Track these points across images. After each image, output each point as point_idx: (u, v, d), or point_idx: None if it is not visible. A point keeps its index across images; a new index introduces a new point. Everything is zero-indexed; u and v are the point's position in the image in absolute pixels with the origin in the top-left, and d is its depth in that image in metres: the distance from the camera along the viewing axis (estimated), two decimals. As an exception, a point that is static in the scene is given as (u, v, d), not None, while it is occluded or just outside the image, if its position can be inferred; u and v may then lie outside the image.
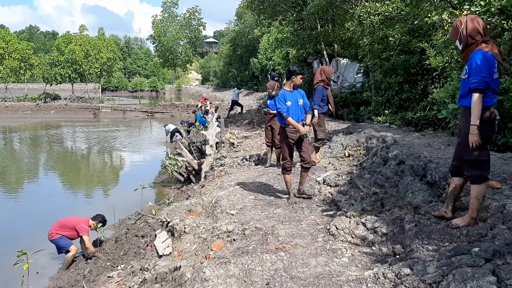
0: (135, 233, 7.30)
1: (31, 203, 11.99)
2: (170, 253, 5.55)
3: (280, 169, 6.61)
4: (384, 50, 12.15)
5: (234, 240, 4.98)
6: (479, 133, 3.58)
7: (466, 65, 3.74)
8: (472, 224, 3.76)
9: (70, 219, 7.72)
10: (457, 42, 3.88)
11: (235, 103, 23.55)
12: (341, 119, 14.64)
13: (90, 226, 7.74)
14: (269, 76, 18.29)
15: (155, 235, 6.32)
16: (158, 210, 7.89)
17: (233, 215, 5.81)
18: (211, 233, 5.44)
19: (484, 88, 3.56)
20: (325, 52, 17.20)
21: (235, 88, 25.47)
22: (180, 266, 4.38)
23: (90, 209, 10.48)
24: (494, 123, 3.70)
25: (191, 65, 61.58)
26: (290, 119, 5.94)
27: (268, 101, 9.03)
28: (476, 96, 3.58)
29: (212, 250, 4.88)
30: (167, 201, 8.72)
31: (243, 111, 23.48)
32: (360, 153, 7.85)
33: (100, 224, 7.75)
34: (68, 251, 7.46)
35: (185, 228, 5.91)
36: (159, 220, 6.85)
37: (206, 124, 20.93)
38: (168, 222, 6.30)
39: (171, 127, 21.83)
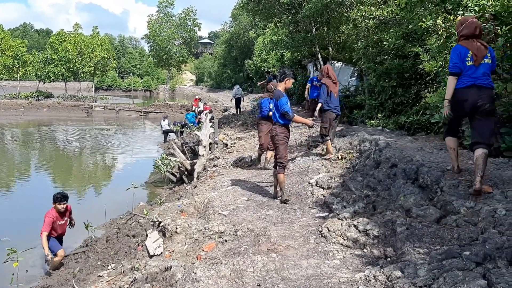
0: (126, 232, 7.25)
1: (21, 201, 11.89)
2: (161, 253, 5.51)
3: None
4: (378, 54, 12.19)
5: (226, 241, 4.96)
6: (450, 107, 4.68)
7: None
8: (451, 169, 4.99)
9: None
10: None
11: (239, 101, 23.45)
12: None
13: (59, 211, 7.35)
14: (267, 76, 18.18)
15: (146, 235, 6.28)
16: (149, 210, 7.84)
17: (225, 216, 5.80)
18: (203, 233, 5.42)
19: (454, 71, 4.61)
20: (319, 55, 17.22)
21: (237, 86, 25.23)
22: (171, 266, 4.36)
23: (81, 208, 10.43)
24: (462, 103, 4.55)
25: (185, 65, 61.60)
26: (297, 117, 6.38)
27: (271, 105, 8.72)
28: (448, 78, 4.71)
29: (203, 250, 4.86)
30: (159, 201, 8.69)
31: (239, 112, 23.45)
32: (353, 156, 7.87)
33: (63, 203, 7.31)
34: (55, 255, 7.17)
35: (176, 228, 5.88)
36: (151, 220, 6.81)
37: (200, 125, 20.89)
38: (160, 222, 6.27)
39: (166, 125, 21.72)
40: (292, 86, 6.67)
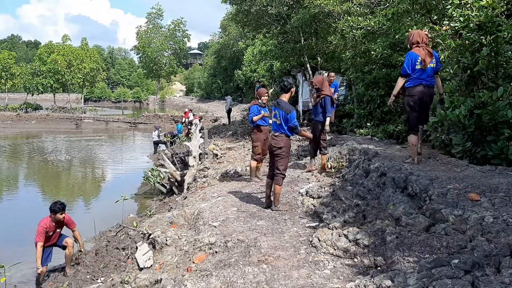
0: (115, 245, 7.19)
1: (9, 214, 11.73)
2: (151, 265, 5.47)
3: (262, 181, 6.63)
4: (366, 64, 12.32)
5: (216, 252, 4.94)
6: (404, 101, 6.13)
7: None
8: (411, 161, 6.17)
9: None
10: (408, 46, 6.16)
11: (229, 112, 23.53)
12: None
13: (57, 221, 7.12)
14: (256, 86, 18.12)
15: (136, 248, 6.23)
16: (139, 222, 7.80)
17: (215, 227, 5.77)
18: (193, 245, 5.39)
19: (402, 74, 5.96)
20: (308, 65, 17.34)
21: (229, 96, 25.29)
22: (161, 279, 4.33)
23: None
24: (413, 97, 5.95)
25: (175, 76, 61.58)
26: (302, 131, 6.47)
27: (264, 112, 8.40)
28: (399, 78, 6.06)
29: (194, 262, 4.83)
30: (149, 213, 8.63)
31: (230, 122, 23.52)
32: (343, 165, 7.90)
33: (58, 214, 7.02)
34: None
35: (166, 240, 5.84)
36: (140, 232, 6.76)
37: (187, 134, 20.88)
38: (150, 234, 6.23)
39: (155, 136, 21.62)
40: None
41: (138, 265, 5.67)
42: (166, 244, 5.81)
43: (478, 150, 5.96)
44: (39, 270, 6.76)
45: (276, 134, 6.22)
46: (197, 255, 5.02)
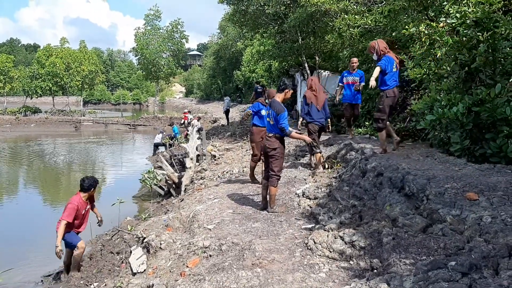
0: (110, 249, 7.09)
1: (7, 219, 11.64)
2: (145, 270, 5.37)
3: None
4: (364, 62, 12.21)
5: (210, 256, 4.85)
6: (384, 103, 6.84)
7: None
8: (382, 152, 6.96)
9: None
10: (374, 56, 6.96)
11: (228, 112, 23.54)
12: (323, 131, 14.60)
13: (87, 199, 6.85)
14: (255, 86, 18.05)
15: (130, 252, 6.13)
16: (135, 225, 7.69)
17: (210, 230, 5.69)
18: (188, 249, 5.29)
19: (381, 67, 6.64)
20: (306, 64, 17.24)
21: (228, 97, 25.30)
22: (153, 285, 4.24)
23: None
24: (393, 98, 6.83)
25: (174, 77, 61.56)
26: (294, 134, 6.17)
27: (264, 111, 7.95)
28: (376, 68, 6.68)
29: (187, 266, 4.74)
30: (144, 216, 8.54)
31: (228, 123, 23.47)
32: (340, 165, 7.80)
33: (92, 190, 6.80)
34: (75, 248, 6.61)
35: (161, 244, 5.74)
36: (135, 235, 6.67)
37: (179, 136, 20.90)
38: (144, 238, 6.13)
39: (157, 139, 21.60)
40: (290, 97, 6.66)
41: (131, 270, 5.58)
42: (160, 248, 5.71)
43: (477, 148, 5.86)
44: (57, 248, 6.18)
45: (270, 135, 6.13)
46: (191, 259, 4.92)
